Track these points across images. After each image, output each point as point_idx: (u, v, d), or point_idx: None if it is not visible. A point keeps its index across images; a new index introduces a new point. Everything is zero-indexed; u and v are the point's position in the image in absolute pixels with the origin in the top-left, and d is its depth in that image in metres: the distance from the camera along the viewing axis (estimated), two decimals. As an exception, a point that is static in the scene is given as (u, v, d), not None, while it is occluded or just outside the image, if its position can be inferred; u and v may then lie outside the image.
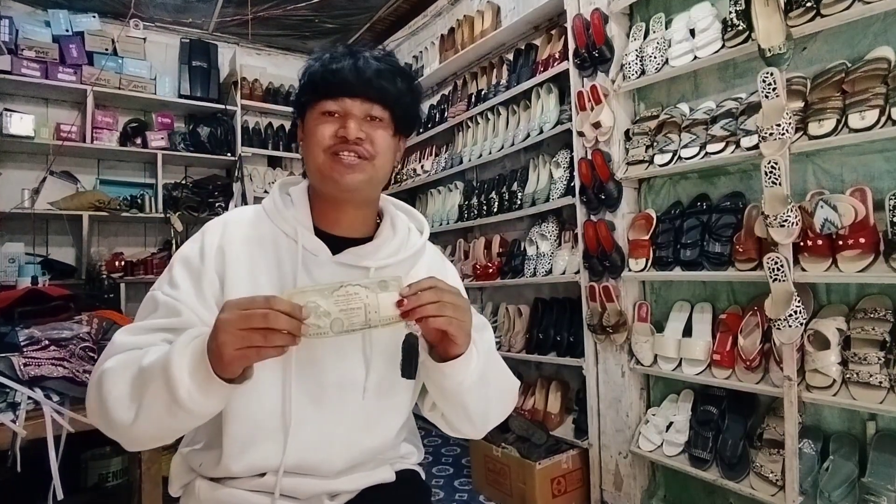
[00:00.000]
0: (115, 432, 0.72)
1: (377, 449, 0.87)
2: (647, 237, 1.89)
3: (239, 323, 0.63)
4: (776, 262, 1.47)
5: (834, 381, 1.41)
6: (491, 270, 2.63)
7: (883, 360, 1.35)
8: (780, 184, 1.47)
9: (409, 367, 0.85)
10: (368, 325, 0.69)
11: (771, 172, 1.48)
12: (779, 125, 1.45)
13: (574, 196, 2.15)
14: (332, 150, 0.81)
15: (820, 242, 1.43)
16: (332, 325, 0.67)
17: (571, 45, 2.11)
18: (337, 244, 0.85)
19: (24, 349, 1.27)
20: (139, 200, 3.34)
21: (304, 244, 0.83)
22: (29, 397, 1.13)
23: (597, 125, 1.99)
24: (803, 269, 1.47)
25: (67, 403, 1.16)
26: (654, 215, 1.91)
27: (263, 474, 0.80)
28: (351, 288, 0.68)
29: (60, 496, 1.09)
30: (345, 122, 0.80)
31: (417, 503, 0.91)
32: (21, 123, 2.92)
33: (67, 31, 3.17)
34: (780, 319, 1.46)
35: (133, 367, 0.70)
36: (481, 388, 0.81)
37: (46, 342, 1.33)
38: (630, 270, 1.93)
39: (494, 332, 2.61)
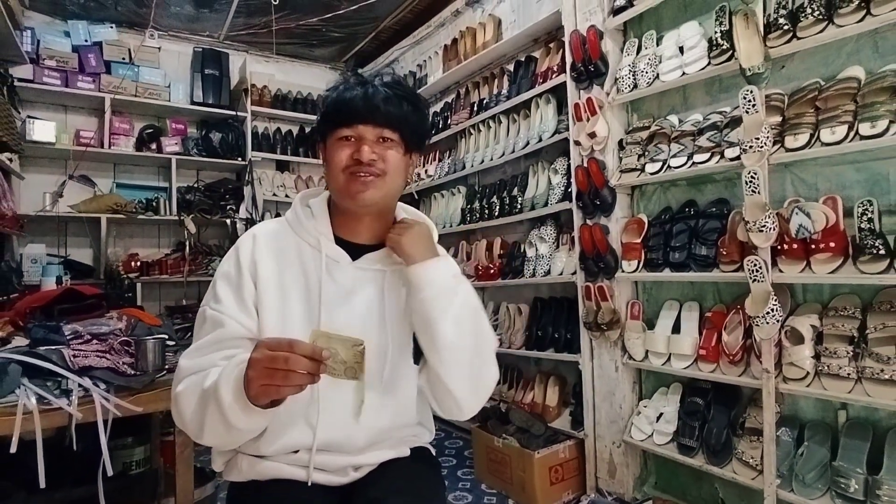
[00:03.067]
0: (200, 442, 0.87)
1: (393, 429, 0.99)
2: (639, 240, 2.02)
3: (264, 362, 0.72)
4: (755, 264, 1.60)
5: (808, 373, 1.53)
6: (492, 271, 2.76)
7: (851, 353, 1.47)
8: (759, 192, 1.60)
9: (420, 355, 0.97)
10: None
11: (751, 181, 1.61)
12: (758, 138, 1.58)
13: (571, 201, 2.28)
14: (349, 171, 0.92)
15: (795, 246, 1.56)
16: (346, 371, 0.77)
17: (569, 59, 2.24)
18: (355, 250, 0.97)
19: (70, 343, 1.40)
20: (154, 203, 3.48)
21: (327, 252, 0.95)
22: (79, 385, 1.25)
23: (592, 135, 2.12)
24: (780, 271, 1.59)
25: (112, 391, 1.29)
26: (645, 220, 2.04)
27: (296, 451, 0.93)
28: (368, 348, 0.79)
29: (110, 472, 1.22)
30: (359, 146, 0.91)
31: (429, 474, 1.03)
32: (43, 130, 3.06)
33: (86, 40, 3.32)
34: (759, 317, 1.59)
35: (197, 390, 0.82)
36: (448, 313, 0.90)
37: (88, 336, 1.46)
38: (623, 271, 2.06)
39: (496, 329, 2.76)
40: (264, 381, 0.72)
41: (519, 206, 2.63)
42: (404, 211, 1.08)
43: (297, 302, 0.93)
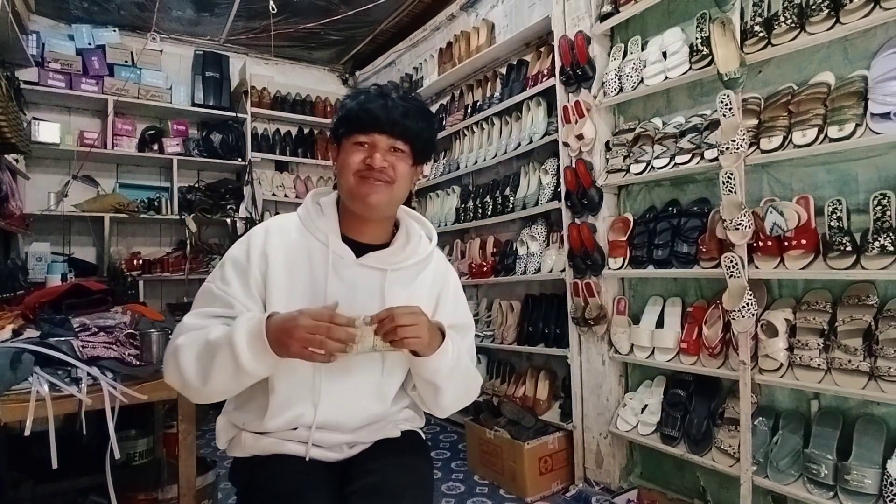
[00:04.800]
0: (188, 392, 0.94)
1: (382, 414, 1.08)
2: (624, 238, 2.10)
3: (308, 327, 0.84)
4: (732, 261, 1.67)
5: (781, 364, 1.61)
6: (485, 269, 2.84)
7: (822, 345, 1.55)
8: (735, 192, 1.67)
9: None
10: (374, 349, 0.92)
11: (728, 182, 1.68)
12: (734, 140, 1.66)
13: (560, 201, 2.35)
14: (360, 174, 0.99)
15: (770, 243, 1.64)
16: (362, 348, 0.90)
17: (558, 63, 2.31)
18: (360, 249, 1.05)
19: (79, 335, 1.47)
20: (156, 203, 3.55)
21: (334, 249, 1.02)
22: (88, 373, 1.33)
23: (580, 137, 2.19)
24: (756, 267, 1.67)
25: (119, 379, 1.36)
26: (631, 219, 2.12)
27: (295, 429, 1.01)
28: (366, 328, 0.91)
29: (118, 455, 1.30)
30: (372, 152, 0.99)
31: (419, 452, 1.12)
32: (48, 131, 3.13)
33: (90, 44, 3.39)
34: (735, 311, 1.66)
35: (200, 342, 0.91)
36: (451, 380, 1.03)
37: (95, 329, 1.54)
38: (609, 268, 2.13)
39: (488, 326, 2.83)
40: (303, 342, 0.84)
41: (511, 206, 2.71)
42: (407, 214, 1.15)
43: (303, 293, 1.00)
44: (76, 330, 1.49)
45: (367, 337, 0.90)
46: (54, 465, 1.17)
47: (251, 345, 0.87)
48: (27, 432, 1.16)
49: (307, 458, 1.00)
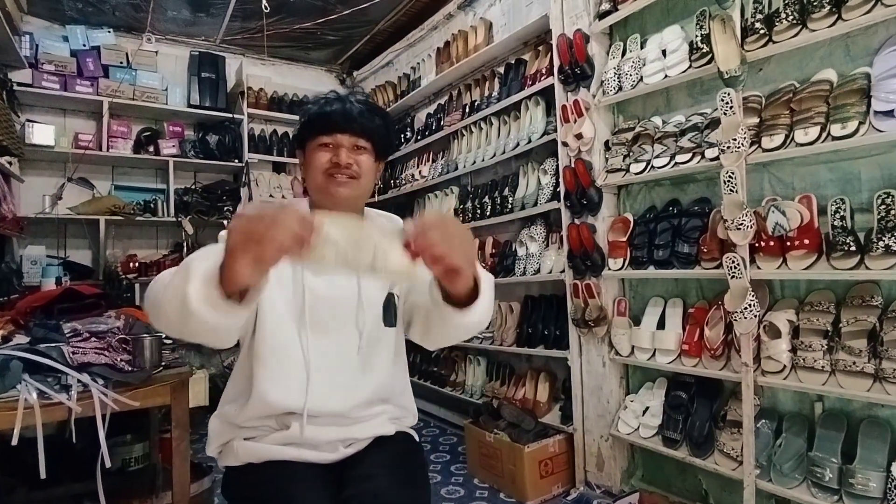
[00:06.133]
0: (160, 322, 0.82)
1: (376, 390, 1.08)
2: (624, 239, 2.07)
3: (246, 223, 0.66)
4: (733, 261, 1.65)
5: (784, 366, 1.59)
6: (485, 270, 2.81)
7: (826, 347, 1.52)
8: (736, 191, 1.65)
9: (389, 317, 1.08)
10: (373, 269, 0.67)
11: (729, 181, 1.66)
12: (735, 139, 1.63)
13: (559, 201, 2.32)
14: (328, 173, 1.04)
15: (772, 243, 1.61)
16: (336, 256, 0.67)
17: (556, 62, 2.29)
18: None
19: (70, 340, 1.45)
20: (152, 205, 3.52)
21: None
22: (78, 380, 1.30)
23: (579, 136, 2.17)
24: (758, 267, 1.65)
25: (110, 386, 1.34)
26: (631, 219, 2.09)
27: (289, 427, 1.00)
28: (368, 230, 0.69)
29: (108, 464, 1.27)
30: (337, 151, 1.04)
31: (413, 453, 1.12)
32: (42, 133, 3.10)
33: (84, 45, 3.36)
34: (737, 312, 1.64)
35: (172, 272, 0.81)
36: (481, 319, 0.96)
37: (87, 334, 1.51)
38: (609, 269, 2.11)
39: (488, 328, 2.82)
40: (246, 246, 0.66)
41: (510, 206, 2.68)
42: (376, 213, 1.19)
43: (284, 285, 1.03)
44: (67, 336, 1.46)
45: (368, 251, 0.66)
46: (42, 476, 1.14)
47: (206, 282, 0.72)
48: (14, 441, 1.14)
49: (302, 434, 0.99)
